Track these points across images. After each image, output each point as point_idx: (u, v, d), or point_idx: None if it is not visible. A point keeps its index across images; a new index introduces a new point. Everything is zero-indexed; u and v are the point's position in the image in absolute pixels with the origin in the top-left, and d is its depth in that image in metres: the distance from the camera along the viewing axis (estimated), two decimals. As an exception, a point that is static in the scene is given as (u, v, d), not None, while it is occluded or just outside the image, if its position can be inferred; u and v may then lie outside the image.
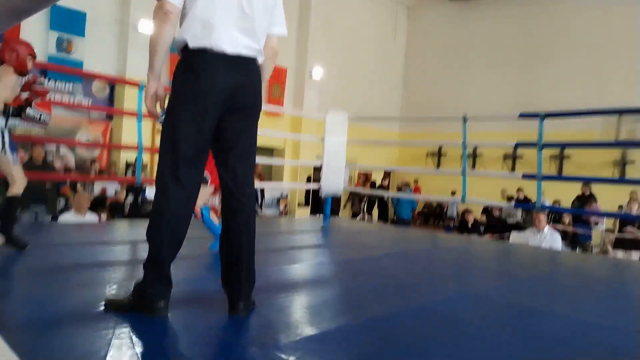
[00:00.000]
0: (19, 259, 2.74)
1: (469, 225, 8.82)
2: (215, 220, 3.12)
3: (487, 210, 10.49)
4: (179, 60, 1.86)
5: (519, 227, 8.68)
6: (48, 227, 4.34)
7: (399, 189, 12.23)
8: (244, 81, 1.86)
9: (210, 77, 1.78)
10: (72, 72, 9.20)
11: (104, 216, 6.69)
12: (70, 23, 9.38)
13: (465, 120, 5.38)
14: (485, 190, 11.43)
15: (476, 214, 10.26)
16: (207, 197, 3.10)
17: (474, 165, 14.66)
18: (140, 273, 1.84)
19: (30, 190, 5.62)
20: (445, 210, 12.83)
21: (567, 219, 8.50)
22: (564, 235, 7.56)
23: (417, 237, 5.32)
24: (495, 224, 9.12)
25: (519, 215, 10.05)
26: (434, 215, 15.65)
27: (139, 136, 4.32)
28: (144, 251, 2.13)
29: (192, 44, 1.79)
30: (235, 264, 1.91)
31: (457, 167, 5.59)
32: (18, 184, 2.89)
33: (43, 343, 1.51)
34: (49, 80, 9.22)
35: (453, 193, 11.90)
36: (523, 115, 5.16)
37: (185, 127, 1.78)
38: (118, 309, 1.81)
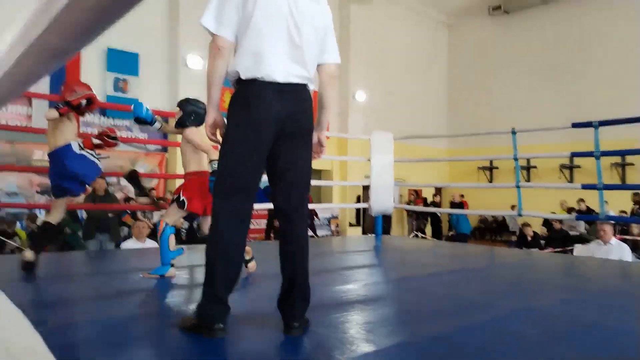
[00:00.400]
0: (86, 284, 2.88)
1: (529, 239, 8.46)
2: (171, 246, 3.01)
3: (547, 223, 10.03)
4: (233, 92, 1.94)
5: (583, 239, 8.24)
6: (112, 254, 4.55)
7: (452, 205, 11.94)
8: (295, 109, 1.89)
9: (262, 106, 1.83)
10: (129, 110, 9.71)
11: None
12: (125, 64, 9.99)
13: (514, 132, 5.24)
14: (544, 203, 11.01)
15: (536, 227, 9.84)
16: (178, 218, 3.13)
17: (528, 178, 14.15)
18: (198, 296, 1.89)
19: (95, 220, 5.95)
20: (502, 224, 12.36)
21: (635, 229, 7.98)
22: (634, 247, 7.10)
23: (474, 253, 5.15)
24: (557, 237, 8.69)
25: (582, 227, 9.55)
26: (490, 230, 15.17)
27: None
28: (200, 275, 2.20)
29: (244, 75, 1.86)
30: (290, 286, 1.94)
31: (510, 181, 5.42)
32: (53, 215, 3.09)
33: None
34: (107, 118, 9.80)
35: (513, 207, 11.46)
36: (576, 125, 4.96)
37: (238, 156, 1.84)
38: (184, 329, 1.86)
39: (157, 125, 3.27)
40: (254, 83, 1.84)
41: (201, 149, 3.07)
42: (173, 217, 3.03)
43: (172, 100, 10.56)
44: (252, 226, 8.90)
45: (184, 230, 7.64)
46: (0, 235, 6.19)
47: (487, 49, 16.09)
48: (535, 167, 14.15)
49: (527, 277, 3.70)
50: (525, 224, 8.98)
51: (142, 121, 3.20)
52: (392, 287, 3.12)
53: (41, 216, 7.71)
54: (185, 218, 7.71)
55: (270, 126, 1.84)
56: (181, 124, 3.10)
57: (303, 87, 1.93)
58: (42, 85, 8.93)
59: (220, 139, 1.98)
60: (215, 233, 1.84)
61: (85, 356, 1.69)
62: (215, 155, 2.88)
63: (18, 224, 7.40)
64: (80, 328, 2.04)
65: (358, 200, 12.53)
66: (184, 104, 3.15)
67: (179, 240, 7.43)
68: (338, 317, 2.19)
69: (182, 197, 2.96)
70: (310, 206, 9.45)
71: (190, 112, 3.10)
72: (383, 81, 14.96)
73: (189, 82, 10.60)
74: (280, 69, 1.84)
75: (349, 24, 13.83)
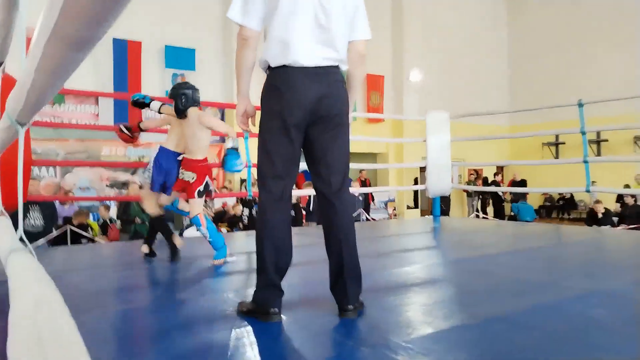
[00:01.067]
0: (155, 271, 3.04)
1: (599, 216, 7.98)
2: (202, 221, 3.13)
3: (621, 199, 9.42)
4: (265, 80, 1.96)
5: (662, 215, 7.67)
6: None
7: (513, 184, 11.47)
8: (326, 91, 1.88)
9: (292, 92, 1.84)
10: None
11: (224, 229, 7.18)
12: (182, 60, 10.34)
13: (580, 105, 4.94)
14: (617, 178, 10.31)
15: (610, 204, 9.27)
16: (201, 207, 3.18)
17: (599, 153, 13.32)
18: (250, 281, 1.94)
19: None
20: (569, 201, 11.67)
21: None
22: None
23: (538, 232, 4.93)
24: (631, 214, 8.14)
25: (660, 202, 8.89)
26: (557, 208, 14.47)
27: (247, 153, 4.58)
28: (254, 260, 2.27)
29: (273, 62, 1.88)
30: (339, 270, 1.94)
31: (579, 156, 5.13)
32: (153, 208, 3.28)
33: (167, 344, 1.66)
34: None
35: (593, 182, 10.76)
36: (650, 93, 4.59)
37: (273, 143, 1.87)
38: (242, 313, 1.94)
39: (155, 105, 3.25)
40: (284, 70, 1.86)
41: (222, 130, 3.14)
42: (200, 207, 3.14)
43: (228, 92, 10.83)
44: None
45: (245, 216, 7.87)
46: (78, 227, 6.63)
47: (552, 20, 15.16)
48: (606, 140, 13.28)
49: (597, 257, 3.51)
50: (597, 201, 8.47)
51: (139, 103, 3.23)
52: (450, 269, 3.06)
53: (112, 208, 8.19)
54: (243, 204, 7.95)
55: (303, 111, 1.85)
56: (180, 111, 3.10)
57: (335, 68, 1.92)
58: (107, 84, 9.44)
59: (251, 127, 2.04)
60: (261, 221, 1.89)
61: (152, 334, 1.80)
62: (232, 132, 3.06)
63: (91, 216, 7.90)
64: (151, 309, 2.16)
65: (415, 183, 12.32)
66: (172, 91, 3.18)
67: (242, 227, 7.69)
68: (394, 299, 2.18)
69: (201, 189, 3.08)
70: (366, 190, 9.43)
71: (179, 96, 3.09)
72: (439, 59, 14.52)
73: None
74: (308, 53, 1.84)
75: (401, 3, 13.50)
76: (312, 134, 1.91)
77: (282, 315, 1.88)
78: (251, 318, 1.88)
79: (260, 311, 1.87)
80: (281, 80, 1.86)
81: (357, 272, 1.97)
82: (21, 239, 0.96)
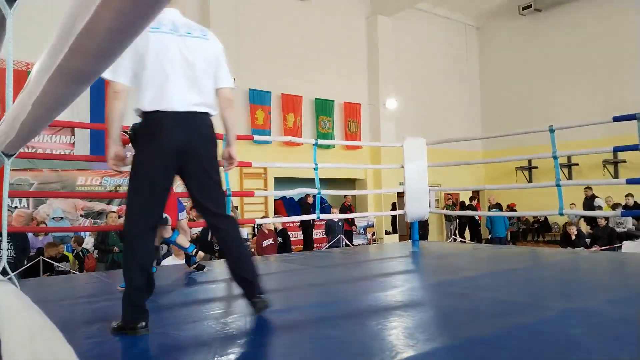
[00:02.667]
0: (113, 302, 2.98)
1: (572, 237, 8.16)
2: (184, 242, 3.71)
3: (592, 221, 9.66)
4: (138, 124, 2.19)
5: (631, 236, 7.88)
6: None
7: (490, 208, 11.69)
8: (196, 134, 2.12)
9: (164, 134, 2.05)
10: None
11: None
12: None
13: (552, 130, 5.11)
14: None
15: (582, 226, 9.48)
16: (164, 234, 3.54)
17: (570, 176, 13.70)
18: (233, 308, 1.92)
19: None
20: (543, 224, 11.94)
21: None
22: (688, 241, 6.72)
23: (515, 254, 5.01)
24: (603, 235, 8.35)
25: (630, 223, 9.14)
26: (532, 231, 14.75)
27: (226, 183, 4.57)
28: (235, 288, 2.27)
29: (148, 108, 2.08)
30: (239, 275, 2.24)
31: (551, 180, 5.27)
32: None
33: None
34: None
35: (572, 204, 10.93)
36: (618, 119, 4.78)
37: (142, 181, 2.08)
38: (115, 332, 2.08)
39: None
40: (156, 114, 2.06)
41: None
42: (159, 237, 3.47)
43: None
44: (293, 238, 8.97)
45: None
46: (51, 258, 6.45)
47: (520, 49, 15.81)
48: (577, 164, 13.70)
49: (572, 277, 3.58)
50: (569, 223, 8.67)
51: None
52: (430, 292, 3.08)
53: (87, 238, 8.01)
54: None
55: (173, 152, 2.06)
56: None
57: (203, 114, 2.18)
58: (84, 115, 9.34)
59: (121, 169, 2.25)
60: (125, 253, 2.16)
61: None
62: None
63: (64, 247, 7.70)
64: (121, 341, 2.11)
65: (393, 208, 12.43)
66: None
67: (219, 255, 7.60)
68: (376, 323, 2.18)
69: (164, 215, 3.33)
70: (347, 215, 9.45)
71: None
72: (413, 88, 14.91)
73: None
74: (179, 99, 2.07)
75: (376, 34, 13.90)
76: (186, 172, 2.17)
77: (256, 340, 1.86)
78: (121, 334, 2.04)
79: (129, 327, 2.04)
80: (154, 124, 2.07)
81: (251, 269, 2.25)
82: (4, 271, 0.95)
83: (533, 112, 14.52)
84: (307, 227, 10.64)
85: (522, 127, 14.04)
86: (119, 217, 8.80)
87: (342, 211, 10.96)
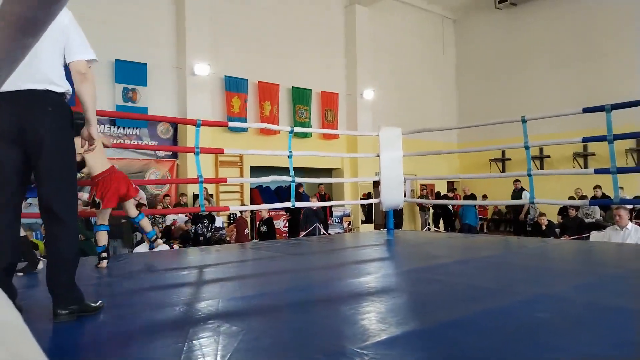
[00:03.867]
0: (102, 285, 2.91)
1: (543, 228, 8.36)
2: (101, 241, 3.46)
3: (562, 212, 9.91)
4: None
5: (599, 226, 8.12)
6: (125, 258, 4.60)
7: (464, 198, 11.87)
8: (29, 113, 1.98)
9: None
10: (137, 117, 9.84)
11: (176, 246, 7.00)
12: (133, 74, 10.08)
13: (524, 121, 5.17)
14: (558, 192, 10.86)
15: (552, 217, 9.72)
16: (107, 216, 3.48)
17: (542, 168, 14.02)
18: (204, 294, 1.89)
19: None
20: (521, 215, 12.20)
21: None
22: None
23: (487, 243, 5.11)
24: (572, 225, 8.58)
25: (597, 213, 9.41)
26: (504, 222, 15.06)
27: (198, 169, 4.51)
28: (209, 274, 2.24)
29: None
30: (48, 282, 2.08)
31: (523, 171, 5.37)
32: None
33: (121, 357, 1.60)
34: (117, 128, 9.91)
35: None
36: (587, 110, 4.86)
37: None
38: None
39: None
40: None
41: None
42: (103, 217, 3.43)
43: (180, 107, 10.66)
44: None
45: (191, 232, 7.70)
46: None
47: (496, 42, 16.03)
48: (548, 156, 14.02)
49: (542, 264, 3.66)
50: (540, 214, 8.88)
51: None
52: (404, 279, 3.11)
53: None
54: (195, 221, 7.80)
55: (7, 136, 1.96)
56: None
57: (41, 91, 2.00)
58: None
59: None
60: None
61: (97, 346, 1.72)
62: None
63: (33, 234, 7.49)
64: (93, 322, 2.07)
65: (368, 197, 12.51)
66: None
67: (196, 242, 7.53)
68: (349, 308, 2.19)
69: (97, 200, 3.32)
70: (323, 204, 9.46)
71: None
72: (391, 79, 14.96)
73: (196, 89, 10.69)
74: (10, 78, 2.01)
75: (354, 24, 13.87)
76: (31, 156, 2.01)
77: (228, 325, 1.84)
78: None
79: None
80: None
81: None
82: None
83: (508, 105, 14.76)
84: (294, 215, 10.72)
85: (498, 119, 14.33)
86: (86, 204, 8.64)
87: (318, 200, 10.98)
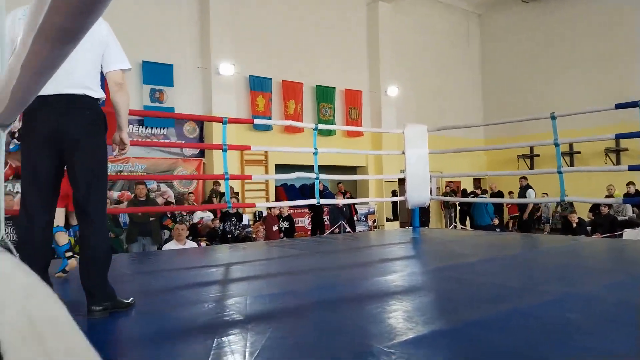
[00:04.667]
0: (133, 282, 2.99)
1: (573, 226, 8.17)
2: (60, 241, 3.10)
3: (594, 209, 9.67)
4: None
5: (632, 224, 7.89)
6: (155, 255, 4.71)
7: (491, 196, 11.67)
8: (65, 118, 2.07)
9: (31, 121, 2.06)
10: (165, 116, 10.06)
11: (203, 243, 7.12)
12: (160, 75, 10.26)
13: (553, 117, 5.07)
14: (589, 189, 10.60)
15: (582, 215, 9.51)
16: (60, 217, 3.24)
17: (572, 165, 13.69)
18: (232, 291, 1.92)
19: (137, 224, 6.13)
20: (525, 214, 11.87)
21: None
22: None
23: (515, 241, 5.03)
24: (604, 223, 8.36)
25: (630, 211, 9.14)
26: (533, 220, 14.74)
27: (224, 165, 4.56)
28: (236, 272, 2.26)
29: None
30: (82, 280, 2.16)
31: (552, 168, 5.26)
32: None
33: (152, 354, 1.64)
34: (145, 128, 10.13)
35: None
36: (620, 106, 4.73)
37: (25, 173, 2.12)
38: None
39: None
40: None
41: None
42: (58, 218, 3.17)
43: (206, 107, 10.81)
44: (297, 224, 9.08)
45: (219, 230, 7.83)
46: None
47: (523, 36, 15.71)
48: (579, 152, 13.67)
49: (572, 263, 3.59)
50: (571, 211, 8.68)
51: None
52: (430, 277, 3.10)
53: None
54: (222, 218, 7.86)
55: (42, 137, 2.06)
56: None
57: (78, 96, 2.10)
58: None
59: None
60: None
61: (127, 346, 1.77)
62: None
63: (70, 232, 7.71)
64: (123, 321, 2.13)
65: (394, 195, 12.44)
66: None
67: (223, 240, 7.65)
68: (376, 307, 2.20)
69: None
70: (349, 201, 9.47)
71: None
72: (415, 75, 14.83)
73: (221, 89, 10.82)
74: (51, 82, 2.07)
75: (377, 20, 13.78)
76: (66, 156, 2.12)
77: (256, 322, 1.87)
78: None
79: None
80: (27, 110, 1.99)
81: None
82: (2, 242, 0.95)
83: (535, 101, 14.47)
84: (317, 213, 10.79)
85: (524, 115, 14.04)
86: (118, 202, 8.83)
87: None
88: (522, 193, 10.34)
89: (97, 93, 2.19)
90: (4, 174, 3.01)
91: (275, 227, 8.51)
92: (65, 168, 2.16)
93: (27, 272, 0.58)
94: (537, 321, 1.92)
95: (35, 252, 2.09)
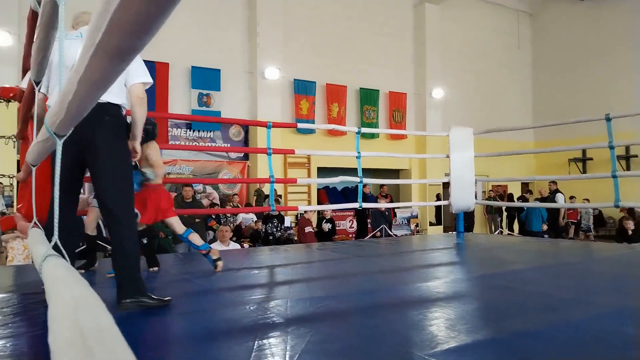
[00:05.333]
0: (176, 282, 3.08)
1: (629, 233, 7.75)
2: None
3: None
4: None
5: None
6: (199, 257, 4.82)
7: (541, 200, 11.24)
8: (86, 123, 2.06)
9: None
10: (212, 120, 10.31)
11: (246, 245, 7.24)
12: (208, 80, 10.55)
13: (608, 119, 4.85)
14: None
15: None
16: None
17: (628, 169, 13.01)
18: (274, 294, 1.94)
19: (183, 225, 6.29)
20: (598, 218, 11.26)
21: None
22: None
23: (567, 249, 4.82)
24: (664, 231, 7.88)
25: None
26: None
27: (269, 169, 4.63)
28: (278, 274, 2.27)
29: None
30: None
31: (606, 172, 5.02)
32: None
33: (194, 354, 1.68)
34: (193, 131, 10.42)
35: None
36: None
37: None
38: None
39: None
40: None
41: (154, 164, 3.25)
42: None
43: (251, 111, 11.01)
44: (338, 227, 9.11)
45: (262, 231, 7.90)
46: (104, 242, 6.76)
47: (575, 36, 15.07)
48: (636, 156, 12.98)
49: (629, 273, 3.40)
50: (626, 217, 8.24)
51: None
52: (474, 284, 3.01)
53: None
54: (265, 220, 7.96)
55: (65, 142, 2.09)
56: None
57: (101, 103, 2.10)
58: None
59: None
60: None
61: (170, 346, 1.82)
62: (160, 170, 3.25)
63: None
64: (168, 320, 2.19)
65: (438, 199, 12.21)
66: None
67: (266, 242, 7.74)
68: (418, 314, 2.16)
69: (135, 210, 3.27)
70: (392, 205, 9.38)
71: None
72: (461, 77, 14.54)
73: (266, 92, 10.99)
74: None
75: (424, 22, 13.63)
76: (87, 160, 2.24)
77: (296, 326, 1.88)
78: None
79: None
80: None
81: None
82: (56, 247, 1.00)
83: (587, 102, 13.84)
84: (361, 216, 10.80)
85: (576, 117, 13.48)
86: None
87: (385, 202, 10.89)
88: (552, 198, 9.93)
89: (119, 99, 2.31)
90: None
91: (309, 229, 8.51)
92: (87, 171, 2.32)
93: (78, 281, 0.61)
94: (590, 335, 1.83)
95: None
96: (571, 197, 12.25)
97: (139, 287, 2.20)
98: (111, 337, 0.44)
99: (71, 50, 2.22)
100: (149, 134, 3.29)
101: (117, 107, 2.31)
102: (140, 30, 0.47)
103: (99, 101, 2.14)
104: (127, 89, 2.36)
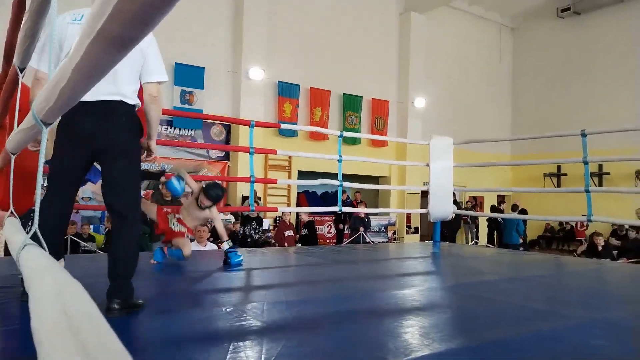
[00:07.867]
0: (152, 281, 3.04)
1: (599, 248, 7.95)
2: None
3: (619, 234, 9.40)
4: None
5: (663, 250, 7.64)
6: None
7: (514, 211, 11.46)
8: (103, 123, 2.12)
9: (69, 123, 2.11)
10: (194, 116, 10.23)
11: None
12: (191, 78, 10.46)
13: (584, 135, 4.97)
14: (617, 211, 10.34)
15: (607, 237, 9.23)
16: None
17: (600, 185, 13.36)
18: (250, 297, 1.93)
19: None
20: (569, 232, 11.60)
21: None
22: None
23: (538, 261, 4.92)
24: (632, 247, 8.11)
25: (661, 236, 8.86)
26: (556, 239, 14.46)
27: (250, 168, 4.61)
28: (255, 277, 2.26)
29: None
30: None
31: (580, 187, 5.15)
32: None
33: (168, 355, 1.66)
34: (174, 129, 10.31)
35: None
36: (655, 126, 4.62)
37: (53, 167, 2.18)
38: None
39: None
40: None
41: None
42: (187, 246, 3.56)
43: (234, 110, 10.95)
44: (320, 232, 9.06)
45: (239, 233, 7.84)
46: (75, 237, 6.65)
47: (556, 51, 15.44)
48: (608, 173, 13.35)
49: (597, 287, 3.50)
50: (596, 233, 8.45)
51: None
52: (449, 294, 3.05)
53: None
54: (243, 222, 7.88)
55: (79, 141, 2.12)
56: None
57: (115, 102, 2.15)
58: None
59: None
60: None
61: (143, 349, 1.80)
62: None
63: (91, 227, 7.89)
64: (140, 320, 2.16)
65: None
66: (215, 190, 3.55)
67: (242, 244, 7.69)
68: (392, 321, 2.18)
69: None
70: (370, 211, 9.43)
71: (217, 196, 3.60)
72: (443, 87, 14.74)
73: (250, 93, 10.95)
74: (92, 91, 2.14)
75: (409, 31, 13.78)
76: (101, 161, 2.20)
77: (272, 329, 1.87)
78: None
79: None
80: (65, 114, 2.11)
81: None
82: (34, 237, 0.99)
83: (566, 118, 14.20)
84: (340, 221, 10.85)
85: (554, 132, 13.80)
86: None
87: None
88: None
89: (133, 100, 2.25)
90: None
91: (287, 233, 8.49)
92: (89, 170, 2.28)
93: (57, 268, 0.60)
94: (559, 345, 1.88)
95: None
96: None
97: (129, 288, 2.18)
98: (96, 318, 0.44)
99: (67, 33, 2.16)
100: (217, 199, 3.53)
101: (131, 107, 2.25)
102: (143, 21, 0.47)
103: (112, 100, 2.14)
104: (142, 86, 2.30)
